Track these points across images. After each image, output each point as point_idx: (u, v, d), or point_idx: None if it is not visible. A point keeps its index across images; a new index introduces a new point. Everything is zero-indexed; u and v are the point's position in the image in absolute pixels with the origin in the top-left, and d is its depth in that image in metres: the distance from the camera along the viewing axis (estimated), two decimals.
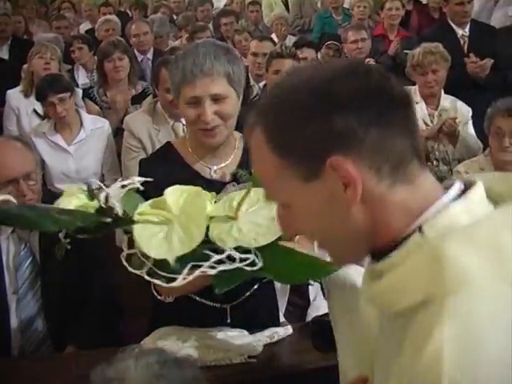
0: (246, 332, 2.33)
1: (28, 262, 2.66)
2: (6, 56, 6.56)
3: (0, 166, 2.62)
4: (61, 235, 1.88)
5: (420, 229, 0.98)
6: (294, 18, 7.78)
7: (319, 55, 5.86)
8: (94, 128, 4.19)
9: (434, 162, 4.29)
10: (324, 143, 0.97)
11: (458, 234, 0.95)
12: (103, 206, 1.79)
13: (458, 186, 1.03)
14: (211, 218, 1.87)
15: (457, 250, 0.92)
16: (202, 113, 2.11)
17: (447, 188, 1.03)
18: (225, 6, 8.79)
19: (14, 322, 2.62)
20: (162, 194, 1.92)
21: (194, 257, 1.73)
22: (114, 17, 6.75)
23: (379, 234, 1.01)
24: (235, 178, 2.25)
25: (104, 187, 1.82)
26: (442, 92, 4.42)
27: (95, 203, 1.83)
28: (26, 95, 4.80)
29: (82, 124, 4.15)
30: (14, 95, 4.90)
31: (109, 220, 1.79)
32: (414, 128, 1.02)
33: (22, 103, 4.82)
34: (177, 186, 1.93)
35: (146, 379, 1.60)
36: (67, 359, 2.44)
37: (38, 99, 4.15)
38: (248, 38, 6.00)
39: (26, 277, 2.65)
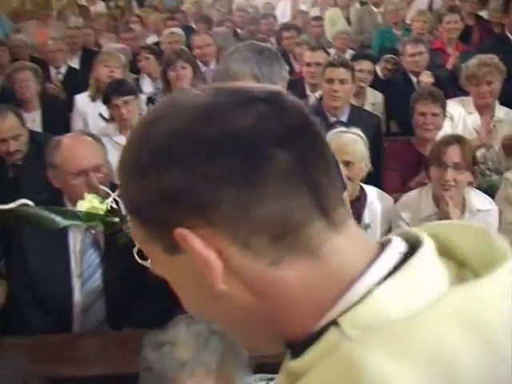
0: None
1: (93, 248, 2.84)
2: (76, 66, 6.85)
3: (71, 158, 2.80)
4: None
5: (336, 322, 0.70)
6: (355, 34, 7.88)
7: (377, 68, 5.96)
8: None
9: (487, 172, 4.33)
10: (163, 210, 0.72)
11: (383, 335, 0.67)
12: (113, 207, 2.04)
13: (390, 254, 0.74)
14: None
15: (377, 360, 0.65)
16: None
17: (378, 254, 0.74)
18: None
19: (77, 302, 2.82)
20: None
21: None
22: (178, 29, 6.97)
23: (284, 323, 0.75)
24: None
25: (111, 192, 2.08)
26: (497, 103, 4.47)
27: (104, 205, 2.12)
28: (93, 100, 5.03)
29: None
30: (82, 100, 5.15)
31: (117, 219, 2.04)
32: (320, 178, 0.73)
33: (88, 107, 5.06)
34: None
35: (196, 344, 1.74)
36: (122, 337, 2.61)
37: (104, 102, 4.37)
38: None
39: (90, 262, 2.83)
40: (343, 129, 3.38)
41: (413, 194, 3.36)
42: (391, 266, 0.72)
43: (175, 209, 0.72)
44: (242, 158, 0.70)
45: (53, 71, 6.26)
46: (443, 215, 3.14)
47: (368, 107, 5.28)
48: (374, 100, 5.40)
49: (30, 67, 5.16)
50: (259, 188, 0.70)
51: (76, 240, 2.84)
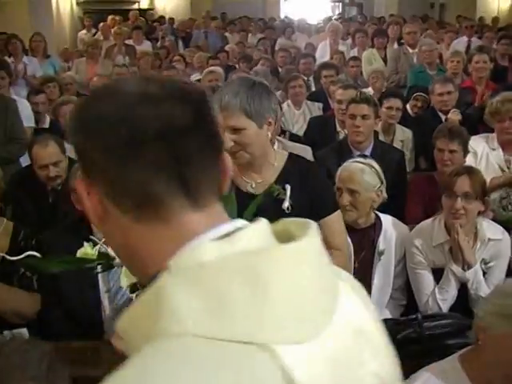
0: None
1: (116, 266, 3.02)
2: None
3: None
4: None
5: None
6: (390, 74, 8.04)
7: (408, 106, 6.13)
8: None
9: (509, 207, 4.42)
10: (80, 164, 1.02)
11: (188, 273, 0.90)
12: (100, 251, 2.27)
13: (228, 227, 0.97)
14: None
15: (177, 289, 0.88)
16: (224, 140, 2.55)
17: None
18: None
19: (107, 313, 3.04)
20: None
21: None
22: (217, 68, 7.26)
23: (143, 263, 0.99)
24: (268, 192, 2.64)
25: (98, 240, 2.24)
26: None
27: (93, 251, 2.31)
28: None
29: None
30: None
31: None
32: (181, 162, 0.95)
33: None
34: None
35: None
36: None
37: None
38: None
39: (116, 279, 3.01)
40: (357, 159, 3.55)
41: (427, 222, 3.49)
42: (224, 233, 0.96)
43: (82, 165, 1.00)
44: (124, 139, 0.93)
45: None
46: (454, 243, 3.27)
47: (397, 144, 5.42)
48: (402, 137, 5.53)
49: (74, 101, 5.46)
50: (130, 164, 0.93)
51: None
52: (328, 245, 2.78)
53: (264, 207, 2.60)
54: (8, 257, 2.78)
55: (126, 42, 10.81)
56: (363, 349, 1.02)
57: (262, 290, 0.89)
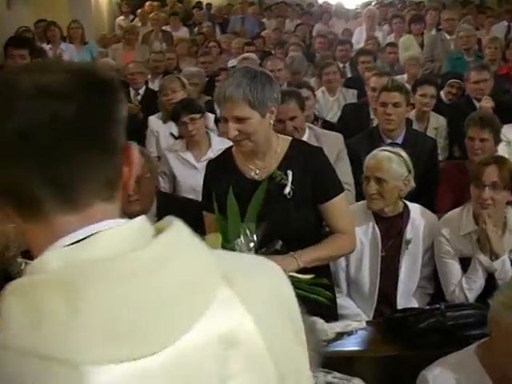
0: (321, 320, 2.64)
1: None
2: (156, 88, 7.23)
3: None
4: None
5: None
6: (425, 61, 7.95)
7: (442, 93, 6.06)
8: (222, 149, 4.62)
9: None
10: None
11: (25, 283, 0.90)
12: None
13: (90, 229, 0.94)
14: None
15: (12, 300, 0.88)
16: (228, 130, 2.66)
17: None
18: None
19: None
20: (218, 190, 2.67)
21: None
22: (251, 54, 7.27)
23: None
24: (271, 178, 2.73)
25: None
26: None
27: None
28: (164, 121, 5.36)
29: (210, 144, 4.61)
30: (154, 120, 5.51)
31: None
32: (55, 162, 0.91)
33: (160, 127, 5.40)
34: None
35: None
36: None
37: (173, 119, 4.68)
38: None
39: None
40: (385, 148, 3.54)
41: (455, 211, 3.48)
42: (82, 237, 0.92)
43: None
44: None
45: (132, 92, 6.64)
46: (481, 233, 3.25)
47: (431, 132, 5.38)
48: (437, 124, 5.49)
49: None
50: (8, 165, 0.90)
51: None
52: (333, 228, 2.82)
53: (267, 193, 2.66)
54: None
55: (164, 28, 10.89)
56: (230, 361, 0.97)
57: (74, 307, 0.86)
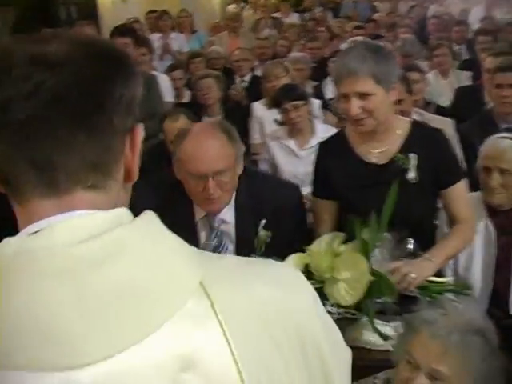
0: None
1: (219, 251, 2.65)
2: None
3: (192, 158, 2.48)
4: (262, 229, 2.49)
5: None
6: None
7: None
8: (326, 136, 4.45)
9: None
10: None
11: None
12: None
13: (57, 219, 0.84)
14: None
15: None
16: (349, 108, 2.47)
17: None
18: None
19: None
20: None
21: None
22: (358, 38, 7.03)
23: None
24: (392, 161, 2.56)
25: None
26: None
27: None
28: (268, 107, 5.23)
29: (314, 132, 4.43)
30: (258, 107, 5.38)
31: None
32: (35, 143, 0.83)
33: (265, 114, 5.27)
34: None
35: None
36: None
37: (276, 106, 4.54)
38: None
39: None
40: (503, 134, 3.23)
41: None
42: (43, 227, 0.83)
43: None
44: None
45: (238, 79, 6.56)
46: None
47: None
48: None
49: (213, 75, 5.46)
50: None
51: (201, 237, 2.69)
52: (454, 216, 2.64)
53: (388, 178, 2.47)
54: None
55: (274, 15, 10.78)
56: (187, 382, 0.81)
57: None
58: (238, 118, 5.55)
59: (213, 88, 5.34)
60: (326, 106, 5.18)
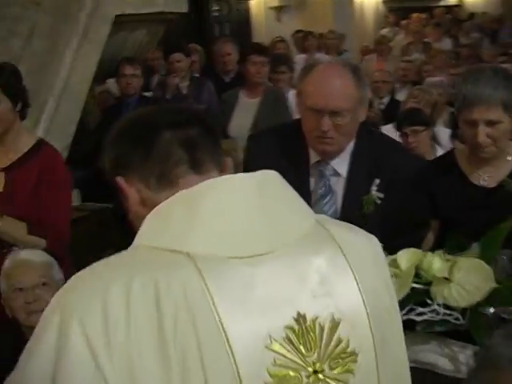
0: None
1: (325, 200, 2.63)
2: (402, 98, 7.11)
3: (313, 92, 2.46)
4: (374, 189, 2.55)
5: None
6: None
7: None
8: None
9: None
10: (113, 169, 1.32)
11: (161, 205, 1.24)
12: None
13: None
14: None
15: (148, 217, 1.24)
16: (476, 134, 2.47)
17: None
18: None
19: None
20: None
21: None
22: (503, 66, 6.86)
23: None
24: (500, 186, 2.57)
25: None
26: None
27: None
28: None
29: None
30: (390, 130, 5.32)
31: None
32: (197, 151, 1.26)
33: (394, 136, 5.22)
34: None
35: None
36: None
37: (396, 128, 4.51)
38: None
39: (327, 210, 2.62)
40: None
41: None
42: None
43: (116, 166, 1.31)
44: (146, 133, 1.28)
45: (376, 101, 6.56)
46: None
47: None
48: None
49: None
50: (149, 153, 1.27)
51: (311, 184, 2.64)
52: None
53: (495, 202, 2.54)
54: None
55: (426, 40, 10.67)
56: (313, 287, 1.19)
57: (193, 210, 1.16)
58: None
59: None
60: (455, 135, 5.07)
